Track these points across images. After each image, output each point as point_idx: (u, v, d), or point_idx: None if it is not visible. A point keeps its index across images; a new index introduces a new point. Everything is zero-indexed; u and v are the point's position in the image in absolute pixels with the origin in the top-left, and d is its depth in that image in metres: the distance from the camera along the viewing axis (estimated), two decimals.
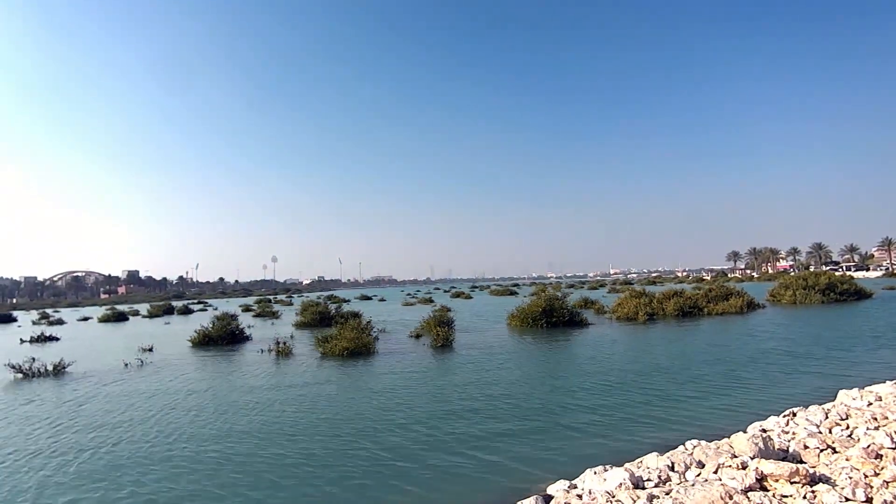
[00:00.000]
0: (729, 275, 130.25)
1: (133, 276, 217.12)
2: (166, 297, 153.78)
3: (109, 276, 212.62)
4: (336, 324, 29.34)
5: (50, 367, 16.91)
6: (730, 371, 13.03)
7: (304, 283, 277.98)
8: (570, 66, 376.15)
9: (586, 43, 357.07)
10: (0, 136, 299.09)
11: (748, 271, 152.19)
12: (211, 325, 24.51)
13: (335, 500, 6.21)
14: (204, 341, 23.33)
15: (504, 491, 6.05)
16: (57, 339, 30.31)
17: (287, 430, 9.37)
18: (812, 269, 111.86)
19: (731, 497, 4.52)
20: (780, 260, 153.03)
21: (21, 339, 30.45)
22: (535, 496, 5.40)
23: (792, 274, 46.27)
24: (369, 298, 77.65)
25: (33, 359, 17.32)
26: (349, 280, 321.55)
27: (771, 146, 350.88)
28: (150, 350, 22.10)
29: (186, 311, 58.28)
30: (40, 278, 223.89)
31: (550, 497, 5.35)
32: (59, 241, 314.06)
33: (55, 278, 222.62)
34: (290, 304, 67.49)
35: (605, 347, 18.24)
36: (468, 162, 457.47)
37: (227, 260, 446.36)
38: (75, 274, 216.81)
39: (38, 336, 30.32)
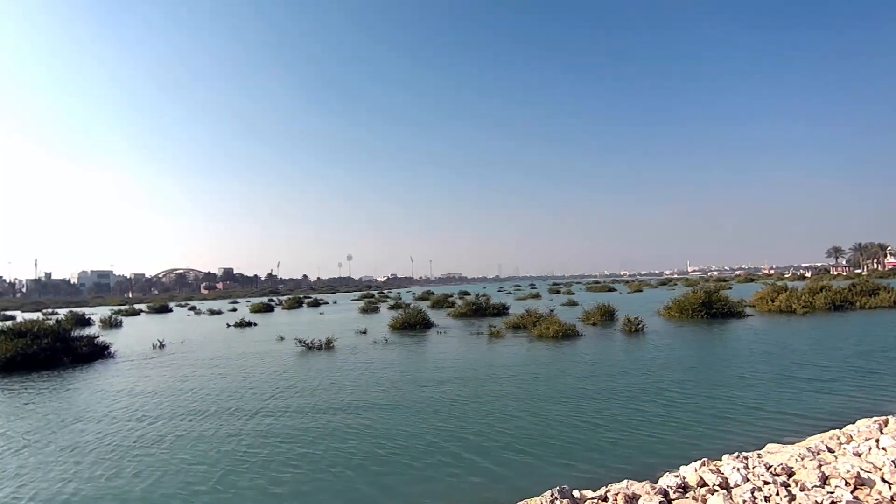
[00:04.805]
0: (832, 272, 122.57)
1: (228, 273, 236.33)
2: (263, 291, 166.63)
3: (208, 273, 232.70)
4: (489, 315, 33.37)
5: (323, 342, 21.35)
6: None
7: (379, 280, 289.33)
8: (632, 54, 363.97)
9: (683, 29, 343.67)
10: (102, 152, 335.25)
11: (852, 268, 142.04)
12: (403, 313, 28.85)
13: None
14: (402, 326, 27.51)
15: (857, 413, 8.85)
16: (255, 325, 35.92)
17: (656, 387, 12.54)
18: None
19: None
20: (889, 256, 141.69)
21: (227, 324, 36.47)
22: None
23: None
24: (468, 294, 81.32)
25: (282, 337, 21.88)
26: (421, 277, 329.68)
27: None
28: (365, 332, 26.45)
29: (315, 304, 65.02)
30: (147, 275, 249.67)
31: None
32: (159, 241, 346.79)
33: (160, 275, 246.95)
34: (399, 298, 72.66)
35: (795, 335, 20.40)
36: (536, 159, 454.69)
37: (305, 258, 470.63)
38: (178, 271, 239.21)
39: (240, 321, 36.15)
